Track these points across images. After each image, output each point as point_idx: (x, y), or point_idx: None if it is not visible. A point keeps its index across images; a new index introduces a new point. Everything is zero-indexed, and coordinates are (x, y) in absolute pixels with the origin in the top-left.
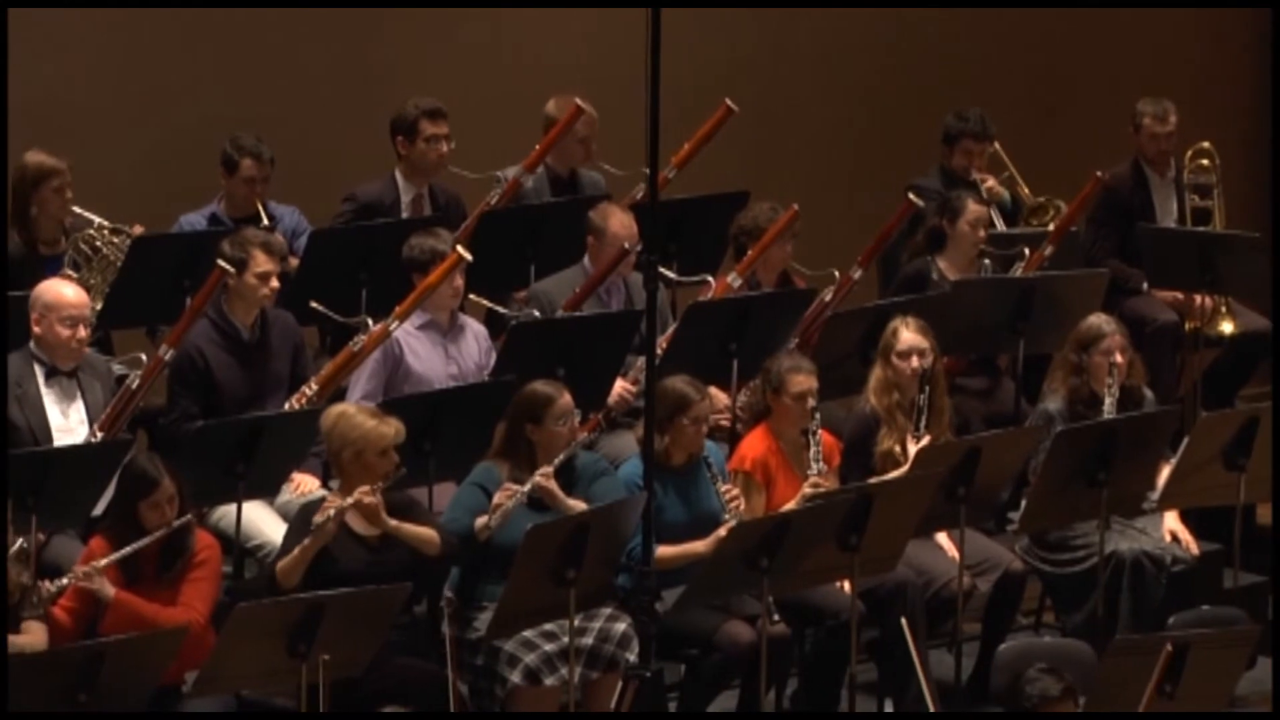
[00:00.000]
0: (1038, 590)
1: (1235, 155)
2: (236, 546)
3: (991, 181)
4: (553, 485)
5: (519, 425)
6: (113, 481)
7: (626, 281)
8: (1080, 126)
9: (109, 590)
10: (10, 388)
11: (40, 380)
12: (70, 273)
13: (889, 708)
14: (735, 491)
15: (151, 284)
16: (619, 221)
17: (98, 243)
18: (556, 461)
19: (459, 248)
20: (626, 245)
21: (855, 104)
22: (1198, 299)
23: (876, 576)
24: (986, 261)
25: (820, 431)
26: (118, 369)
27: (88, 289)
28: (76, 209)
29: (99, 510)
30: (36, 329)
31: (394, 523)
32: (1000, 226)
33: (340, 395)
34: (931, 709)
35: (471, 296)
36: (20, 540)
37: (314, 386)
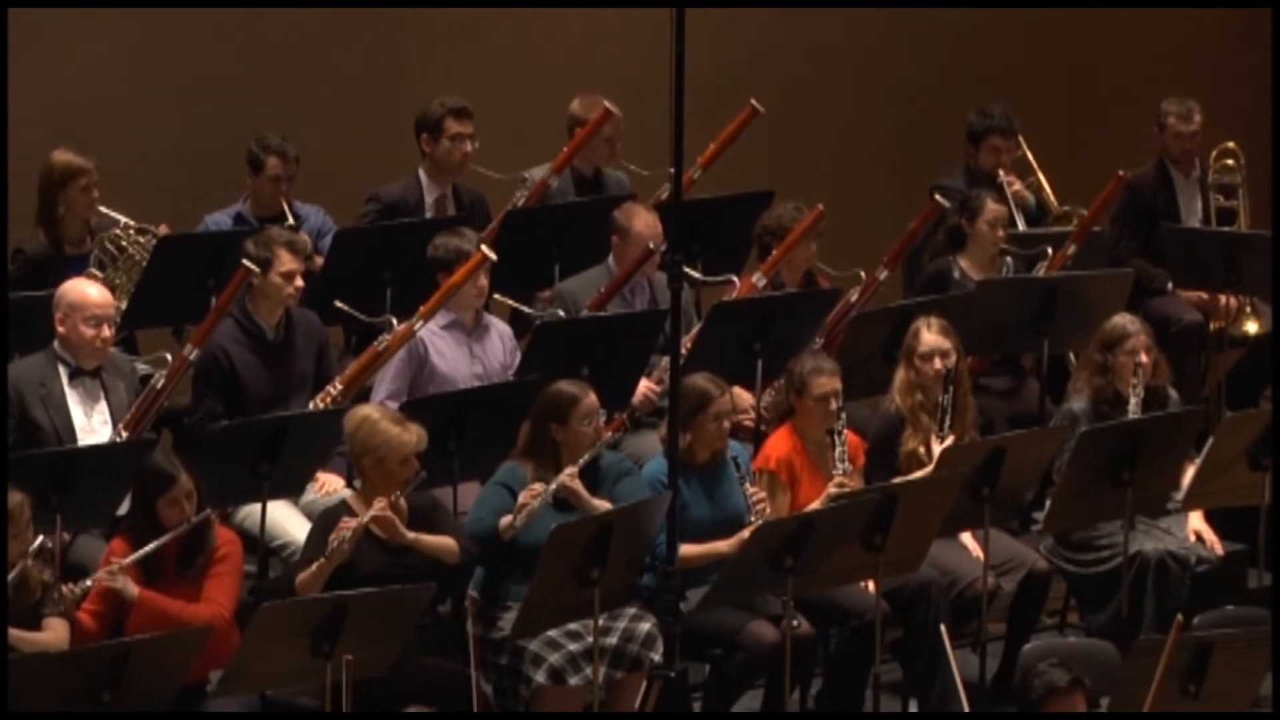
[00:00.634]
0: (1062, 590)
1: (1260, 155)
2: (261, 546)
3: (1018, 185)
4: (578, 485)
5: (544, 425)
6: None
7: (651, 281)
8: (1105, 127)
9: (132, 589)
10: (34, 387)
11: (64, 380)
12: (95, 272)
13: (913, 708)
14: (762, 494)
15: (176, 284)
16: (644, 221)
17: (123, 242)
18: (581, 461)
19: (483, 247)
20: (651, 245)
21: (881, 104)
22: (1222, 299)
23: (901, 577)
24: (1009, 260)
25: (845, 431)
26: (142, 369)
27: (113, 289)
28: (103, 208)
29: (123, 510)
30: (61, 328)
31: (411, 535)
32: (1022, 226)
33: (365, 395)
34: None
35: (496, 296)
36: (41, 537)
37: (339, 386)
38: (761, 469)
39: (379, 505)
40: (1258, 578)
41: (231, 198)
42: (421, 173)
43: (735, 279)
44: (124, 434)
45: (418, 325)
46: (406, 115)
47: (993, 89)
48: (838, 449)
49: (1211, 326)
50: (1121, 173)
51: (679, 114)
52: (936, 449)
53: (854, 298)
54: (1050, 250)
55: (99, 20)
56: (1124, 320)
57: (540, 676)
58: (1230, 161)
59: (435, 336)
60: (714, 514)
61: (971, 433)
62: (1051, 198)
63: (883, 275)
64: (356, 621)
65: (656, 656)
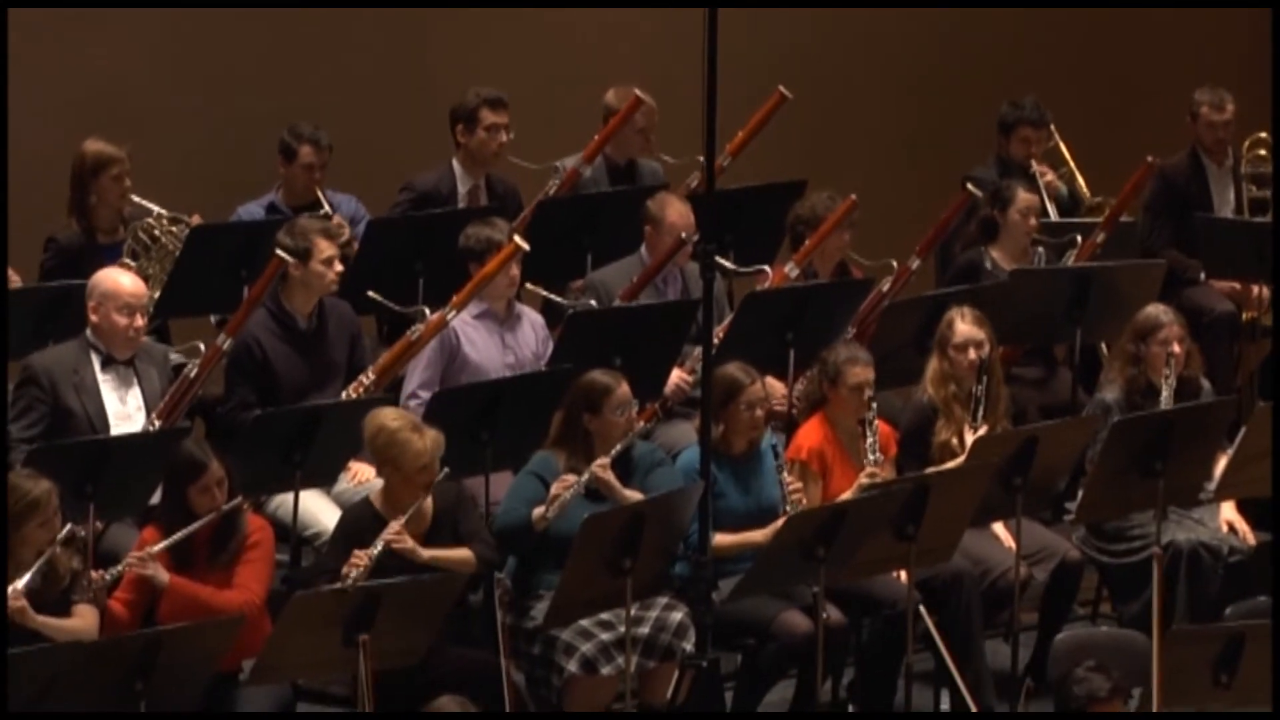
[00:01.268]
0: (1094, 580)
1: None
2: (293, 535)
3: (1050, 175)
4: (610, 476)
5: (576, 415)
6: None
7: (683, 271)
8: (1138, 117)
9: (163, 576)
10: (67, 375)
11: (97, 368)
12: (128, 261)
13: (945, 698)
14: (798, 485)
15: (209, 273)
16: (676, 211)
17: (156, 232)
18: (614, 452)
19: (516, 237)
20: (684, 235)
21: (914, 94)
22: (1255, 289)
23: (933, 567)
24: (1040, 250)
25: (877, 421)
26: (175, 358)
27: (146, 278)
28: (135, 198)
29: (156, 500)
30: (94, 317)
31: (428, 554)
32: (1054, 216)
33: (397, 385)
34: (972, 709)
35: (528, 286)
36: (70, 525)
37: (371, 376)
38: (793, 459)
39: (394, 529)
40: None
41: (263, 188)
42: (455, 163)
43: (768, 269)
44: (157, 423)
45: (450, 315)
46: (437, 105)
47: (1026, 79)
48: (869, 439)
49: (1244, 317)
50: (1150, 159)
51: (711, 103)
52: (969, 439)
53: (886, 287)
54: (1080, 239)
55: (132, 12)
56: (1157, 310)
57: (572, 666)
58: (1263, 151)
59: (467, 326)
60: (749, 504)
61: (1004, 423)
62: (1084, 188)
63: (915, 265)
64: (389, 611)
65: (689, 646)
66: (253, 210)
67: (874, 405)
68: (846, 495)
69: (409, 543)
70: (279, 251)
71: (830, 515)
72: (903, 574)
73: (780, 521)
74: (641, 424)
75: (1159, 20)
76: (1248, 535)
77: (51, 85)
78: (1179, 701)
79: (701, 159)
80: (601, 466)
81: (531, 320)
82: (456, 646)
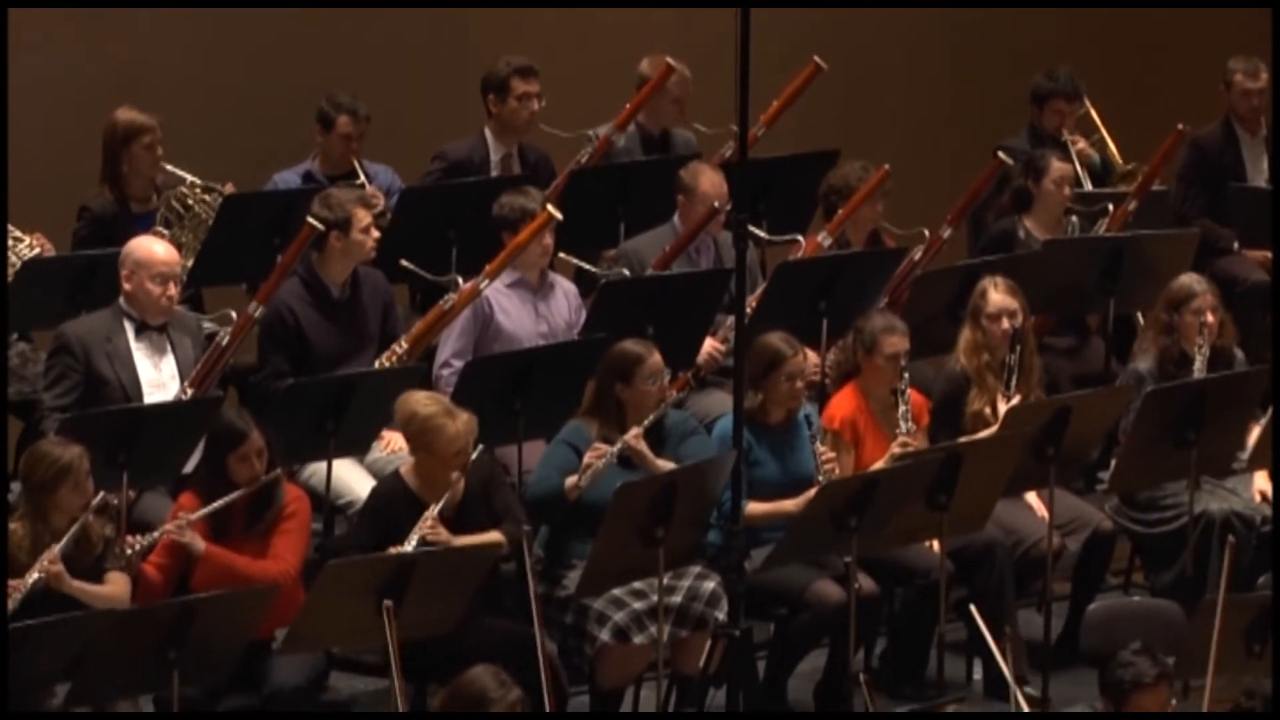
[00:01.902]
0: (1127, 550)
1: None
2: (326, 504)
3: (1082, 143)
4: (643, 445)
5: (609, 384)
6: (202, 438)
7: (716, 240)
8: (1171, 84)
9: (199, 544)
10: (100, 343)
11: (130, 336)
12: (162, 230)
13: (978, 668)
14: (831, 455)
15: (242, 242)
16: (709, 180)
17: (189, 200)
18: (647, 422)
19: (549, 206)
20: (716, 204)
21: (946, 63)
22: None
23: (965, 536)
24: (1074, 219)
25: (909, 391)
26: (208, 326)
27: (179, 247)
28: (169, 167)
29: (189, 468)
30: (127, 285)
31: (460, 541)
32: (1087, 185)
33: (430, 353)
34: (1011, 680)
35: (561, 255)
36: (102, 493)
37: (404, 344)
38: (826, 428)
39: (429, 521)
40: None
41: (296, 158)
42: (488, 132)
43: (800, 238)
44: (189, 391)
45: (483, 284)
46: (472, 74)
47: (1058, 47)
48: (902, 408)
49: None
50: (1181, 127)
51: (744, 72)
52: (1002, 409)
53: (918, 256)
54: (1111, 207)
55: None
56: (1190, 280)
57: (605, 635)
58: None
59: (500, 295)
60: (784, 474)
61: (1037, 392)
62: (1116, 156)
63: (946, 234)
64: (422, 580)
65: (721, 615)
66: (289, 178)
67: (906, 375)
68: (879, 465)
69: (444, 535)
70: (310, 220)
71: (863, 485)
72: (935, 544)
73: (812, 491)
74: (674, 393)
75: None
76: None
77: (88, 53)
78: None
79: (735, 128)
80: (635, 436)
81: (565, 289)
82: (489, 616)
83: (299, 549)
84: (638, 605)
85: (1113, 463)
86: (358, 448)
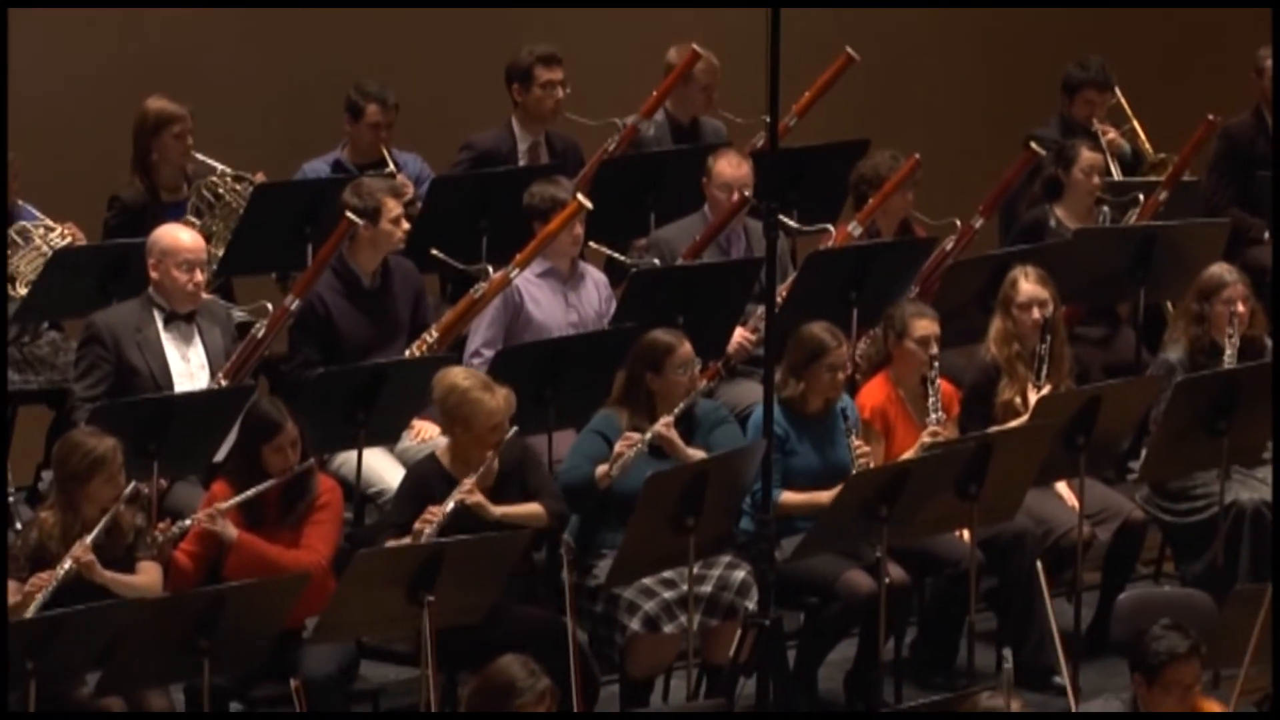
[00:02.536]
0: (1157, 540)
1: None
2: (357, 493)
3: (1113, 133)
4: (673, 435)
5: (639, 373)
6: (234, 428)
7: (746, 230)
8: (1202, 73)
9: (232, 532)
10: (130, 332)
11: (159, 325)
12: (192, 219)
13: (1008, 657)
14: (866, 449)
15: (273, 231)
16: (726, 163)
17: (220, 189)
18: (677, 411)
19: (579, 196)
20: (734, 188)
21: (976, 53)
22: None
23: (996, 526)
24: (1105, 209)
25: (939, 380)
26: (240, 316)
27: (209, 236)
28: (199, 156)
29: (220, 457)
30: (154, 274)
31: (499, 511)
32: (1117, 174)
33: (461, 343)
34: (1061, 655)
35: (591, 244)
36: (134, 483)
37: (434, 334)
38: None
39: (467, 486)
40: None
41: (327, 146)
42: (514, 121)
43: (831, 228)
44: (223, 382)
45: (514, 273)
46: (501, 63)
47: (1088, 36)
48: (931, 397)
49: None
50: (1211, 117)
51: (774, 62)
52: (1032, 398)
53: (949, 246)
54: (1142, 197)
55: None
56: (1221, 270)
57: (635, 624)
58: None
59: (531, 285)
60: (820, 465)
61: (1067, 382)
62: (1147, 145)
63: (978, 224)
64: (453, 568)
65: (751, 605)
66: (318, 167)
67: (936, 363)
68: (909, 454)
69: (481, 498)
70: (349, 214)
71: (893, 474)
72: (965, 533)
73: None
74: (704, 383)
75: None
76: None
77: (118, 42)
78: (1242, 661)
79: (766, 118)
80: (665, 425)
81: (595, 279)
82: (520, 605)
83: (331, 539)
84: (668, 594)
85: (1143, 452)
86: (388, 437)
